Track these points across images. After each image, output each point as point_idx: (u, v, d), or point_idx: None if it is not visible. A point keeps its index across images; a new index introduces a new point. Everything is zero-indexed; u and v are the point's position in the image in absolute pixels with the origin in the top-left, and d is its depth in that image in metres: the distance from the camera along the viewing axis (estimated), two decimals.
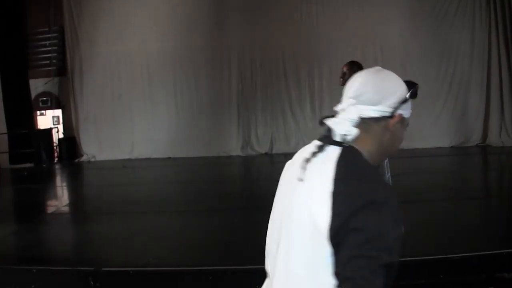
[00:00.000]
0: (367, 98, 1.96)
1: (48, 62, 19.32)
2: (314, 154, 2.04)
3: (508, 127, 17.32)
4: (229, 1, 18.04)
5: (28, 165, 17.54)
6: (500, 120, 17.44)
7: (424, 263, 5.58)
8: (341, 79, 6.46)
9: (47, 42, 19.30)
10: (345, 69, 6.54)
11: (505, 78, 17.36)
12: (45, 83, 19.22)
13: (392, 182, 6.51)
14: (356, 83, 2.02)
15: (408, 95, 2.03)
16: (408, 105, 2.04)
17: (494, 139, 17.44)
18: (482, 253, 5.71)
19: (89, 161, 18.26)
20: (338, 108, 2.05)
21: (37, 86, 19.13)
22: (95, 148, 18.51)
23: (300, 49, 17.90)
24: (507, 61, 17.35)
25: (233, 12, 17.93)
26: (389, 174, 6.50)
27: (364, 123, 1.97)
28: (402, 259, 5.05)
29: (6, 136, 17.74)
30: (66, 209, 10.70)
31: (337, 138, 2.01)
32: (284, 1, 17.90)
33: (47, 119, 20.13)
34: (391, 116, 1.98)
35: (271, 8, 17.79)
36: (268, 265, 2.14)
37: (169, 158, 17.85)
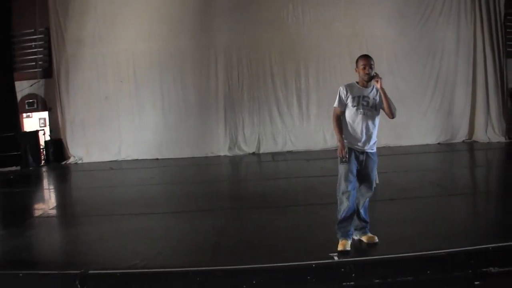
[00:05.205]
0: None
1: (34, 64, 19.21)
2: None
3: (494, 123, 17.51)
4: (215, 2, 17.98)
5: (14, 168, 17.43)
6: (486, 116, 17.61)
7: (411, 260, 5.61)
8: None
9: (33, 44, 19.18)
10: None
11: (490, 74, 17.54)
12: (31, 85, 19.12)
13: (379, 179, 6.54)
14: None
15: None
16: None
17: (480, 135, 17.65)
18: (468, 248, 5.75)
19: (76, 163, 18.15)
20: None
21: (23, 88, 19.02)
22: (82, 150, 18.39)
23: (287, 49, 17.94)
24: (492, 58, 17.54)
25: (219, 13, 17.86)
26: (376, 174, 6.50)
27: None
28: (390, 256, 5.10)
29: None
30: (53, 212, 10.61)
31: None
32: (270, 2, 17.90)
33: (34, 122, 20.03)
34: None
35: (257, 9, 17.79)
36: None
37: (157, 159, 17.80)
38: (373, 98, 6.36)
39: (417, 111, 17.69)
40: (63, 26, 18.26)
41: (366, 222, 6.61)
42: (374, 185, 6.57)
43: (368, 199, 6.57)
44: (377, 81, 6.25)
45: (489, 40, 17.63)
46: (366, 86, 6.39)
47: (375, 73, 6.29)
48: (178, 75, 18.15)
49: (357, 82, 6.47)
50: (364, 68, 6.31)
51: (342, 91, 6.44)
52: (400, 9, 17.74)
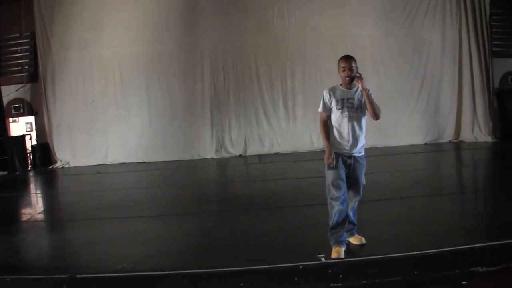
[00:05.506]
0: None
1: (20, 68, 19.10)
2: None
3: (480, 122, 17.60)
4: (200, 4, 17.94)
5: (1, 173, 17.34)
6: (473, 116, 17.71)
7: (399, 260, 5.62)
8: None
9: (19, 48, 19.08)
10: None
11: (476, 74, 17.64)
12: (17, 90, 19.01)
13: (366, 180, 6.54)
14: None
15: None
16: None
17: (467, 135, 17.75)
18: (455, 248, 5.77)
19: (63, 168, 18.07)
20: None
21: (9, 92, 18.90)
22: (69, 154, 18.32)
23: (272, 51, 17.94)
24: (478, 58, 17.64)
25: (205, 15, 17.84)
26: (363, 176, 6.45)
27: None
28: (378, 256, 5.11)
29: None
30: (41, 216, 10.58)
31: None
32: (256, 4, 17.88)
33: (20, 126, 19.95)
34: None
35: (242, 11, 17.79)
36: None
37: (143, 162, 17.76)
38: (358, 99, 6.15)
39: (403, 111, 17.76)
40: (49, 30, 18.19)
41: (354, 224, 6.53)
42: (362, 188, 6.40)
43: (357, 202, 6.46)
44: (358, 82, 6.01)
45: (475, 40, 17.72)
46: (350, 88, 6.20)
47: (358, 73, 6.06)
48: (164, 78, 18.12)
49: (341, 84, 6.28)
50: (344, 70, 6.12)
51: (326, 95, 6.25)
52: (385, 10, 17.79)
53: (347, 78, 6.12)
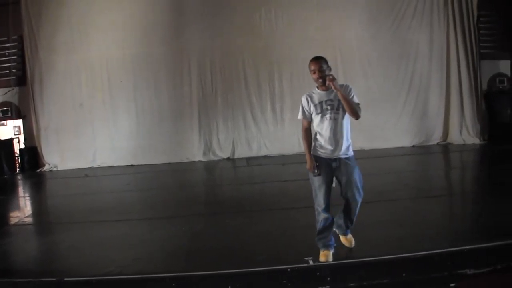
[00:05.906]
0: None
1: (7, 72, 19.01)
2: None
3: (468, 124, 17.59)
4: (188, 7, 17.90)
5: None
6: (461, 118, 17.71)
7: (387, 262, 5.63)
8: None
9: (6, 52, 18.98)
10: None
11: (464, 77, 17.64)
12: (5, 93, 18.94)
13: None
14: None
15: None
16: None
17: (455, 137, 17.73)
18: (444, 250, 5.78)
19: (51, 171, 17.99)
20: None
21: None
22: (57, 157, 18.23)
23: (260, 53, 17.94)
24: (466, 60, 17.64)
25: (192, 18, 17.81)
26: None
27: None
28: (366, 259, 5.13)
29: None
30: (29, 220, 10.54)
31: None
32: (243, 7, 17.83)
33: (8, 130, 19.86)
34: None
35: (229, 13, 17.75)
36: None
37: (131, 165, 17.71)
38: (338, 99, 5.94)
39: (391, 113, 17.74)
40: (37, 33, 18.11)
41: (348, 226, 6.37)
42: (361, 191, 6.08)
43: (358, 205, 6.11)
44: (330, 83, 5.84)
45: (462, 42, 17.73)
46: (326, 89, 6.04)
47: (331, 75, 5.90)
48: (152, 81, 18.10)
49: (318, 87, 6.14)
50: (315, 73, 5.98)
51: (304, 101, 6.16)
52: (372, 13, 17.78)
53: (320, 80, 5.99)
